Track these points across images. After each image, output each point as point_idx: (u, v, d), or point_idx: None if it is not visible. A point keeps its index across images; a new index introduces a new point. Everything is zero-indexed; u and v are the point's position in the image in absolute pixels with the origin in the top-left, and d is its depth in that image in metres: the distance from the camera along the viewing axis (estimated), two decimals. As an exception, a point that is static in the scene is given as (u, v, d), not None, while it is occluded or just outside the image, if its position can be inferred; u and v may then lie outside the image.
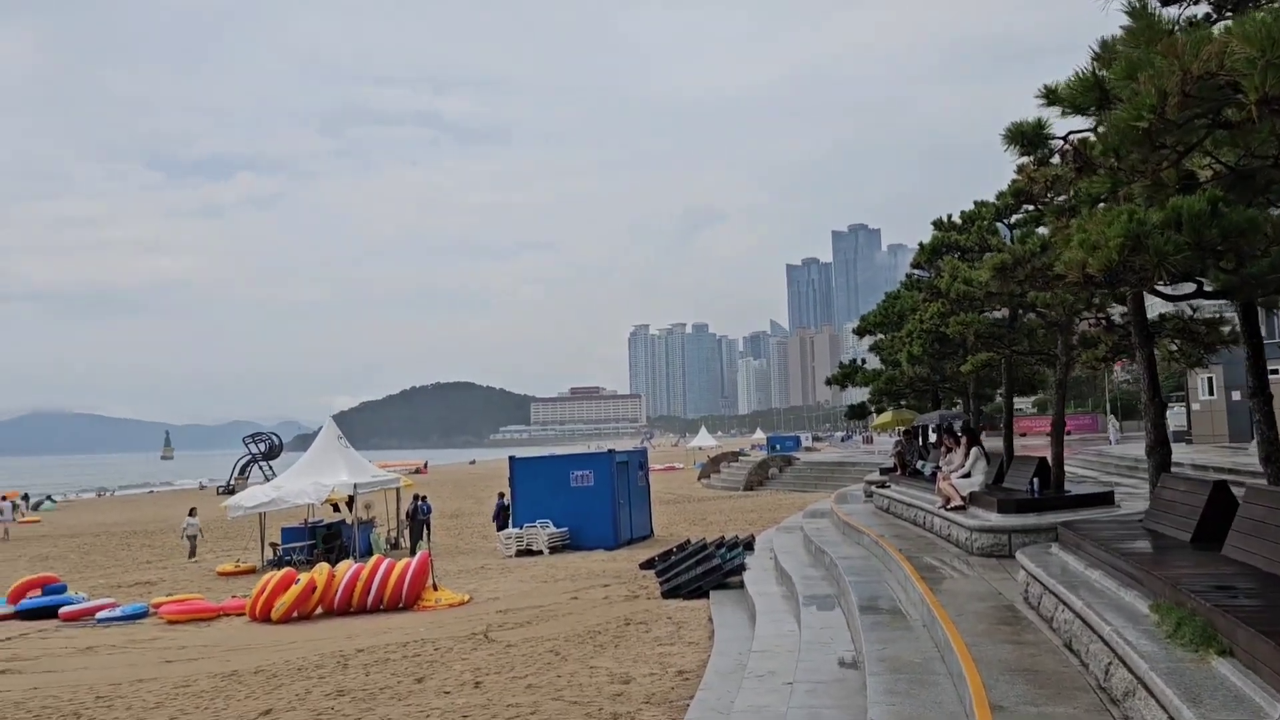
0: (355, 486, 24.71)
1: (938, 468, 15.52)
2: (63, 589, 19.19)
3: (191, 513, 25.73)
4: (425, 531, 26.09)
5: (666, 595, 15.68)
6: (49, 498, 66.51)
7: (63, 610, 17.85)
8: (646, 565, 18.85)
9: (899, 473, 19.97)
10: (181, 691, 11.52)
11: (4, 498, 57.63)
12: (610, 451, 28.12)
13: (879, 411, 29.69)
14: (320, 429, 27.34)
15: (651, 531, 27.14)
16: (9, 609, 18.25)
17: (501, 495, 28.29)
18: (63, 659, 14.20)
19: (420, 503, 26.50)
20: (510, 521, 25.29)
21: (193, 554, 25.14)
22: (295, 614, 16.42)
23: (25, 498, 61.58)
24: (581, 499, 24.75)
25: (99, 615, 17.52)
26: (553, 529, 23.99)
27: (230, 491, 58.89)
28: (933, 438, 20.53)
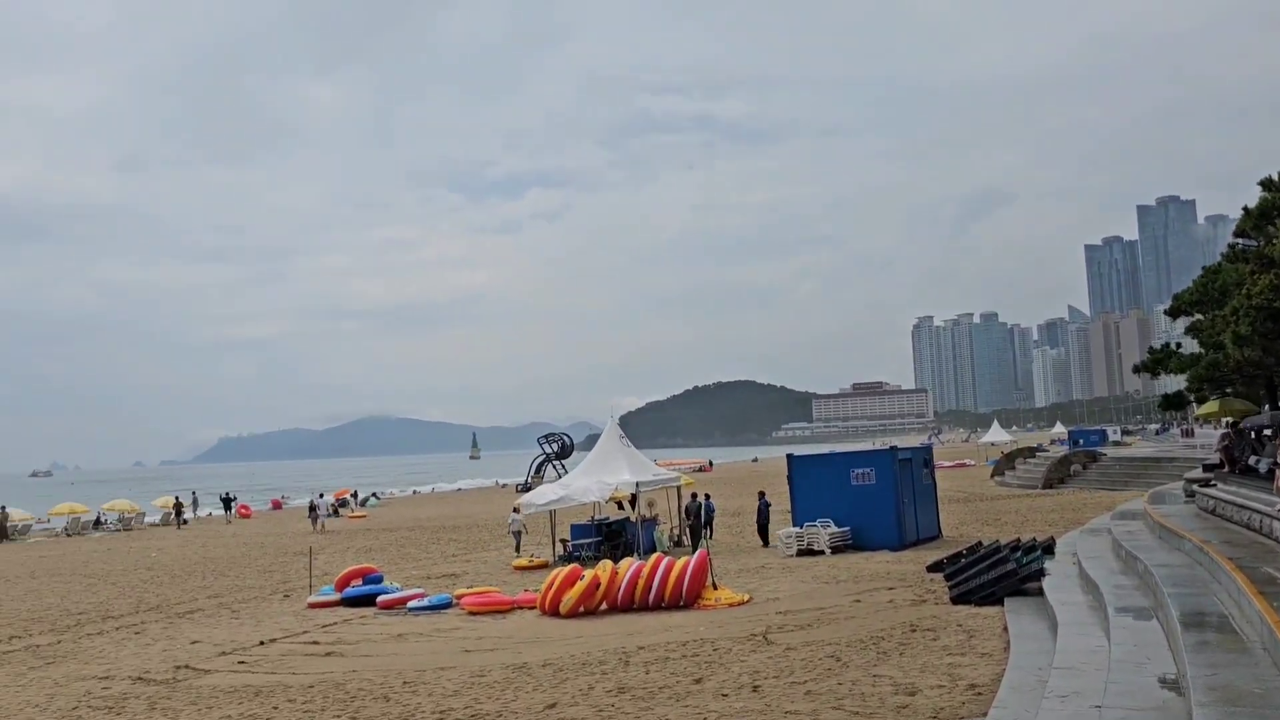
0: (637, 485, 25.28)
1: (1276, 464, 13.57)
2: (380, 579, 20.93)
3: (516, 510, 27.00)
4: (708, 530, 26.24)
5: (956, 601, 14.75)
6: (374, 495, 73.53)
7: (380, 599, 19.45)
8: (934, 568, 17.88)
9: (1227, 470, 17.72)
10: (477, 681, 12.12)
11: (335, 495, 64.55)
12: (892, 448, 27.06)
13: (1200, 401, 26.62)
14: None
15: (939, 532, 25.84)
16: (336, 596, 20.13)
17: (762, 494, 27.88)
18: (378, 644, 15.41)
19: (704, 500, 26.69)
20: (786, 521, 24.92)
21: (518, 549, 26.33)
22: (581, 609, 16.93)
23: (354, 495, 68.45)
24: (863, 497, 23.94)
25: (410, 605, 18.93)
26: (834, 528, 23.38)
27: (527, 489, 62.53)
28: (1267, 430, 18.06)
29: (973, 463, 73.12)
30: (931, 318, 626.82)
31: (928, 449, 30.62)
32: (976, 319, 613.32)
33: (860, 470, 24.40)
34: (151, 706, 11.92)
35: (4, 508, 50.58)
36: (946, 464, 65.67)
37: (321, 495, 54.94)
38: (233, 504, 60.30)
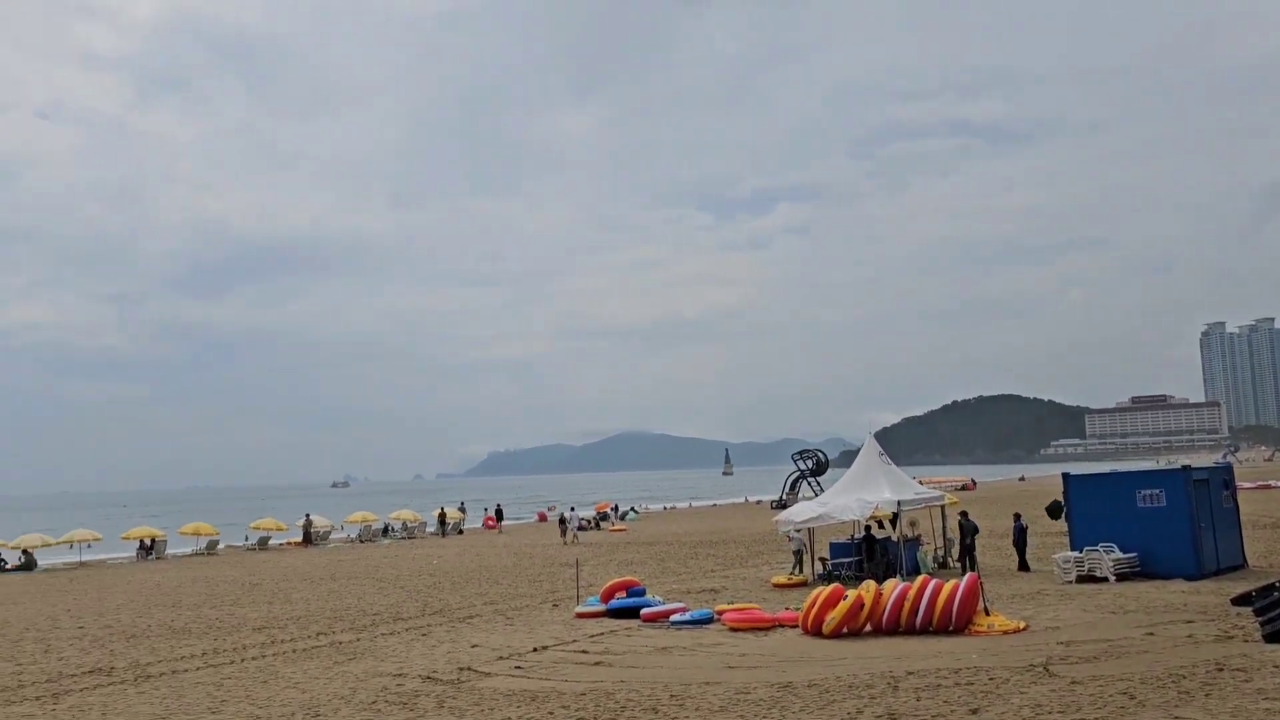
0: (898, 503, 24.51)
1: None
2: (643, 592, 21.44)
3: (797, 529, 26.59)
4: (971, 551, 25.00)
5: (1269, 639, 13.22)
6: (633, 509, 75.61)
7: (644, 611, 19.92)
8: (1240, 601, 16.06)
9: None
10: (741, 698, 12.12)
11: (596, 509, 66.94)
12: (1185, 467, 24.70)
13: None
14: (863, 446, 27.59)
15: (1244, 561, 23.31)
16: (601, 607, 20.81)
17: (1018, 516, 26.14)
18: (644, 656, 15.76)
19: (965, 520, 25.48)
20: (1052, 545, 23.27)
21: (798, 567, 25.96)
22: (844, 630, 16.57)
23: (614, 508, 70.72)
24: (1151, 521, 21.99)
25: (672, 618, 19.25)
26: (1118, 554, 21.62)
27: (782, 506, 62.16)
28: None
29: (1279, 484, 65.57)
30: (1223, 324, 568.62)
31: (1227, 468, 27.75)
32: (1279, 324, 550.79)
33: (1148, 491, 22.45)
34: (440, 704, 12.77)
35: (309, 515, 56.09)
36: (1248, 485, 59.18)
37: (572, 509, 57.30)
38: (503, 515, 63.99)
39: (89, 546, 48.56)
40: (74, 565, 45.35)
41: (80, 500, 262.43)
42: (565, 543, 44.99)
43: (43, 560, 45.47)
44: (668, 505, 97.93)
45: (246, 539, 55.86)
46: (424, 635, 19.03)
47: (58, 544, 46.78)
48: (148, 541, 48.13)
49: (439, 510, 61.81)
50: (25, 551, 44.25)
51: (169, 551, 48.94)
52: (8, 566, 43.44)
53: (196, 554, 49.28)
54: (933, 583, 16.92)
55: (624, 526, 59.85)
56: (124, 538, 50.79)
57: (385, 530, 57.20)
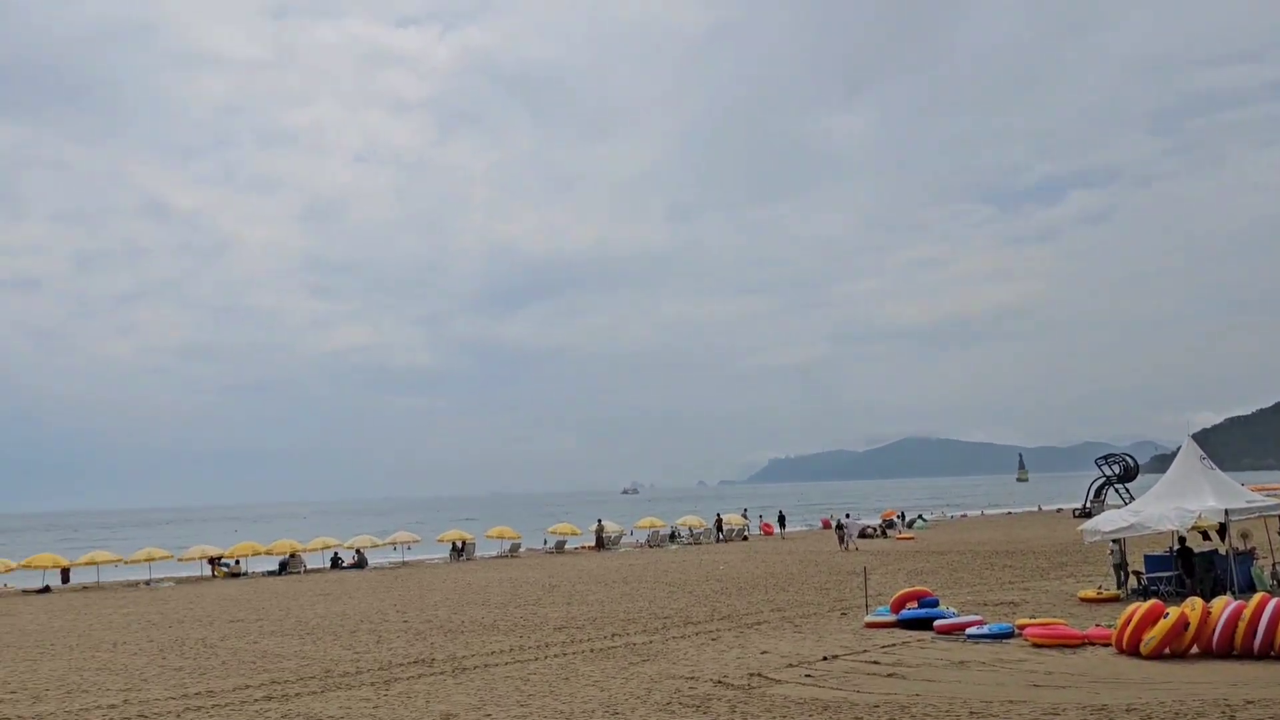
0: (1226, 513, 22.05)
1: None
2: (935, 603, 20.62)
3: (1116, 541, 24.50)
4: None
5: None
6: (921, 517, 73.04)
7: (937, 623, 19.15)
8: None
9: None
10: (1049, 719, 11.35)
11: (882, 516, 65.23)
12: None
13: None
14: (1179, 449, 25.06)
15: None
16: (892, 617, 20.22)
17: None
18: (939, 670, 15.14)
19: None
20: None
21: (1122, 581, 24.01)
22: (1165, 650, 15.12)
23: (901, 516, 68.65)
24: None
25: (969, 631, 18.36)
26: None
27: (1086, 515, 57.76)
28: None
29: None
30: None
31: None
32: None
33: None
34: (732, 709, 12.88)
35: (600, 521, 58.59)
36: None
37: (848, 515, 56.09)
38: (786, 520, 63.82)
39: (409, 548, 53.41)
40: (398, 564, 49.98)
41: (398, 505, 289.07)
42: (843, 550, 44.23)
43: (372, 559, 50.54)
44: (958, 513, 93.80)
45: (545, 542, 59.18)
46: (713, 640, 19.30)
47: (384, 545, 51.82)
48: (459, 544, 52.15)
49: (717, 517, 62.71)
50: (358, 551, 49.36)
51: (477, 553, 52.79)
52: (344, 564, 48.61)
53: (501, 556, 52.82)
54: (1273, 601, 15.08)
55: (912, 535, 57.92)
56: (439, 540, 55.38)
57: (672, 535, 58.64)
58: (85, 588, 42.79)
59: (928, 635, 18.64)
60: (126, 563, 45.92)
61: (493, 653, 18.74)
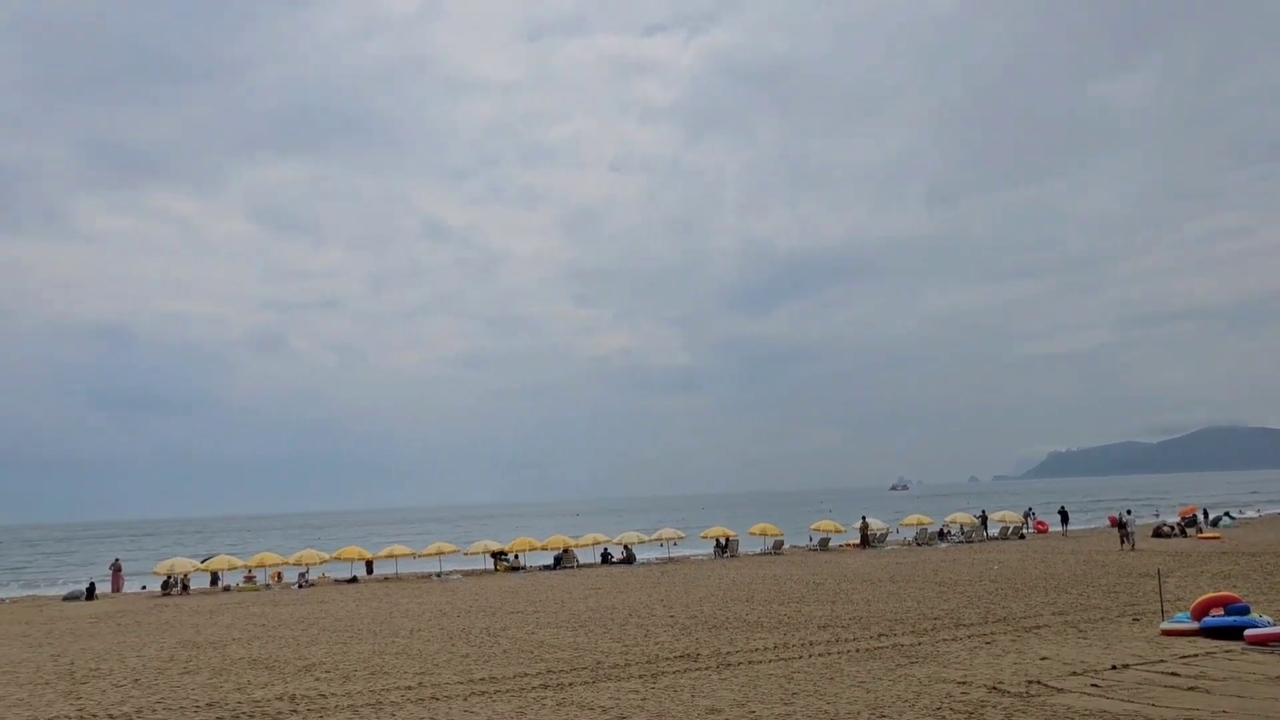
0: None
1: None
2: (1246, 610, 18.57)
3: None
4: None
5: None
6: (1227, 514, 66.22)
7: (1248, 633, 17.26)
8: None
9: None
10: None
11: (1180, 513, 59.64)
12: None
13: None
14: None
15: None
16: (1193, 625, 18.42)
17: None
18: (1251, 685, 13.62)
19: None
20: None
21: None
22: None
23: (1204, 513, 62.58)
24: None
25: (1288, 642, 16.43)
26: None
27: None
28: None
29: None
30: None
31: None
32: None
33: None
34: (1008, 718, 12.19)
35: (865, 518, 57.33)
36: None
37: (1129, 512, 51.54)
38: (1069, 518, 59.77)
39: (674, 545, 54.60)
40: (664, 560, 51.19)
41: (663, 502, 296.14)
42: (1124, 550, 40.88)
43: (639, 555, 52.06)
44: (1274, 510, 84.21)
45: (809, 540, 58.68)
46: (987, 643, 18.36)
47: (650, 541, 53.26)
48: (723, 541, 52.70)
49: (981, 513, 59.79)
50: (626, 547, 50.99)
51: (740, 550, 53.13)
52: (614, 560, 50.39)
53: (764, 553, 52.88)
54: None
55: (1217, 534, 52.54)
56: (703, 536, 56.24)
57: (941, 533, 56.44)
58: (386, 579, 46.84)
59: (1236, 646, 16.85)
60: (419, 556, 49.86)
61: (757, 649, 18.77)
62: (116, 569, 49.08)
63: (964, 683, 14.57)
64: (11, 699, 16.90)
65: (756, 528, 57.10)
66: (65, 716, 15.08)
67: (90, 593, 42.98)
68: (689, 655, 18.44)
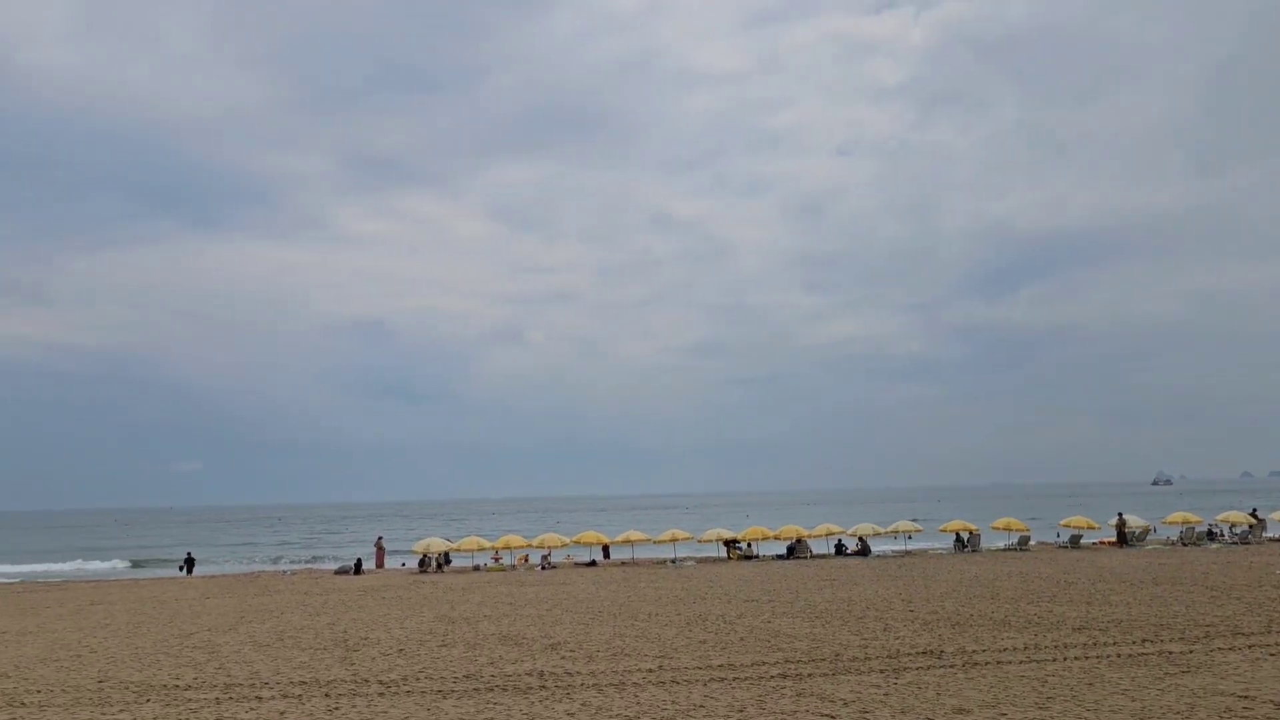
0: None
1: None
2: None
3: None
4: None
5: None
6: None
7: None
8: None
9: None
10: None
11: None
12: None
13: None
14: None
15: None
16: None
17: None
18: None
19: None
20: None
21: None
22: None
23: None
24: None
25: None
26: None
27: None
28: None
29: None
30: None
31: None
32: None
33: None
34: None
35: (1121, 515, 53.45)
36: None
37: None
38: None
39: (910, 538, 53.06)
40: (900, 554, 49.84)
41: (897, 494, 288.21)
42: None
43: (874, 548, 50.95)
44: None
45: (1058, 536, 55.44)
46: (1272, 654, 16.67)
47: (885, 533, 52.00)
48: (963, 535, 50.70)
49: (1252, 510, 54.20)
50: (861, 539, 50.03)
51: (983, 545, 50.90)
52: (848, 551, 49.56)
53: (1008, 549, 50.39)
54: None
55: None
56: (941, 530, 54.36)
57: (1210, 533, 51.79)
58: (623, 563, 48.23)
59: None
60: (654, 542, 50.98)
61: (1005, 649, 17.92)
62: (379, 547, 53.19)
63: (1246, 696, 13.29)
64: (296, 661, 18.68)
65: (1000, 522, 54.51)
66: (341, 680, 16.50)
67: (357, 568, 46.83)
68: (932, 652, 17.86)
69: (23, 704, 15.17)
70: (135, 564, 66.82)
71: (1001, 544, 52.52)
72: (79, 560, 69.99)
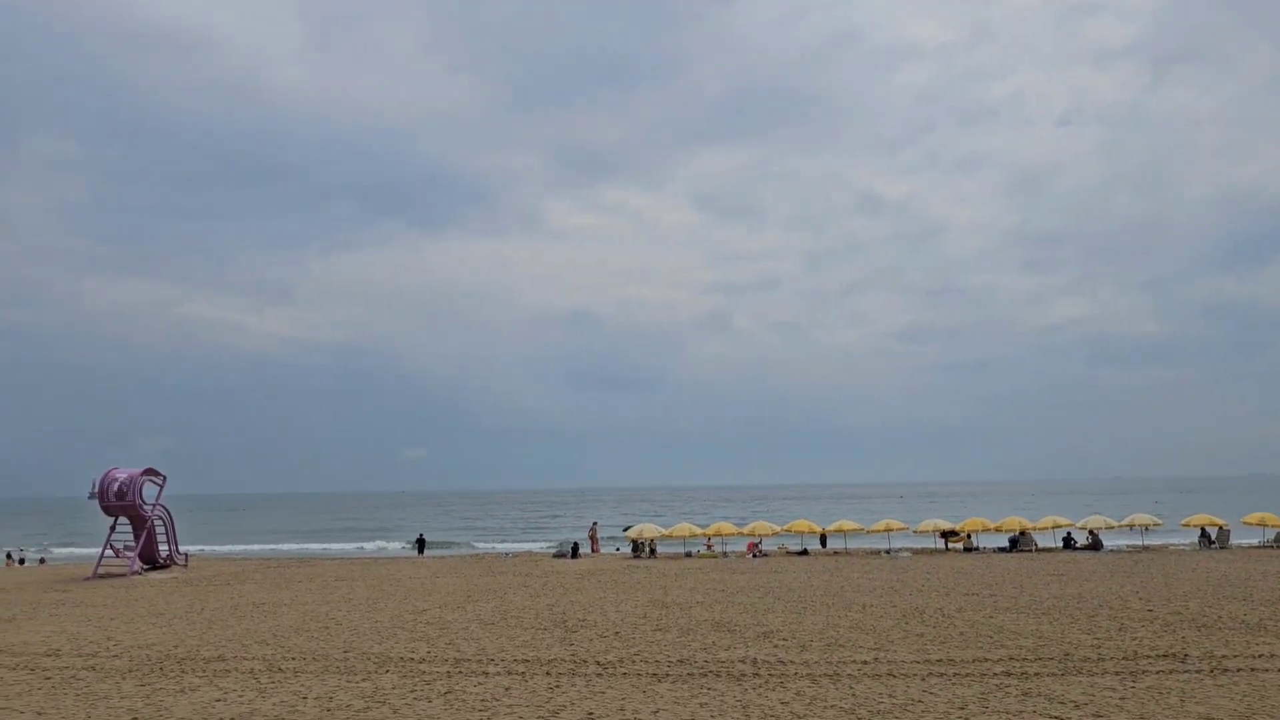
0: None
1: None
2: None
3: None
4: None
5: None
6: None
7: None
8: None
9: None
10: None
11: None
12: None
13: None
14: None
15: None
16: None
17: None
18: None
19: None
20: None
21: None
22: None
23: None
24: None
25: None
26: None
27: None
28: None
29: None
30: None
31: None
32: None
33: None
34: None
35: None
36: None
37: None
38: None
39: (1146, 531, 49.47)
40: (1136, 548, 46.60)
41: (1130, 485, 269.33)
42: None
43: (1107, 542, 47.86)
44: None
45: (1321, 533, 50.32)
46: None
47: (1119, 526, 48.72)
48: (1208, 530, 46.87)
49: None
50: (1092, 532, 47.13)
51: (1233, 541, 46.88)
52: (1076, 545, 46.81)
53: (1263, 546, 46.17)
54: None
55: None
56: (1183, 524, 50.43)
57: None
58: (835, 553, 47.54)
59: None
60: (868, 532, 49.97)
61: (1260, 656, 16.41)
62: (594, 534, 54.80)
63: None
64: (519, 640, 19.54)
65: (1253, 517, 49.90)
66: (561, 659, 17.12)
67: (574, 551, 48.43)
68: (1174, 655, 16.59)
69: (280, 670, 16.62)
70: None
71: (1255, 541, 48.15)
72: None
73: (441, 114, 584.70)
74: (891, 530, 48.72)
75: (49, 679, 16.05)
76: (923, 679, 14.79)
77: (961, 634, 19.39)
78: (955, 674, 15.15)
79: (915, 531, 50.06)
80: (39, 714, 13.40)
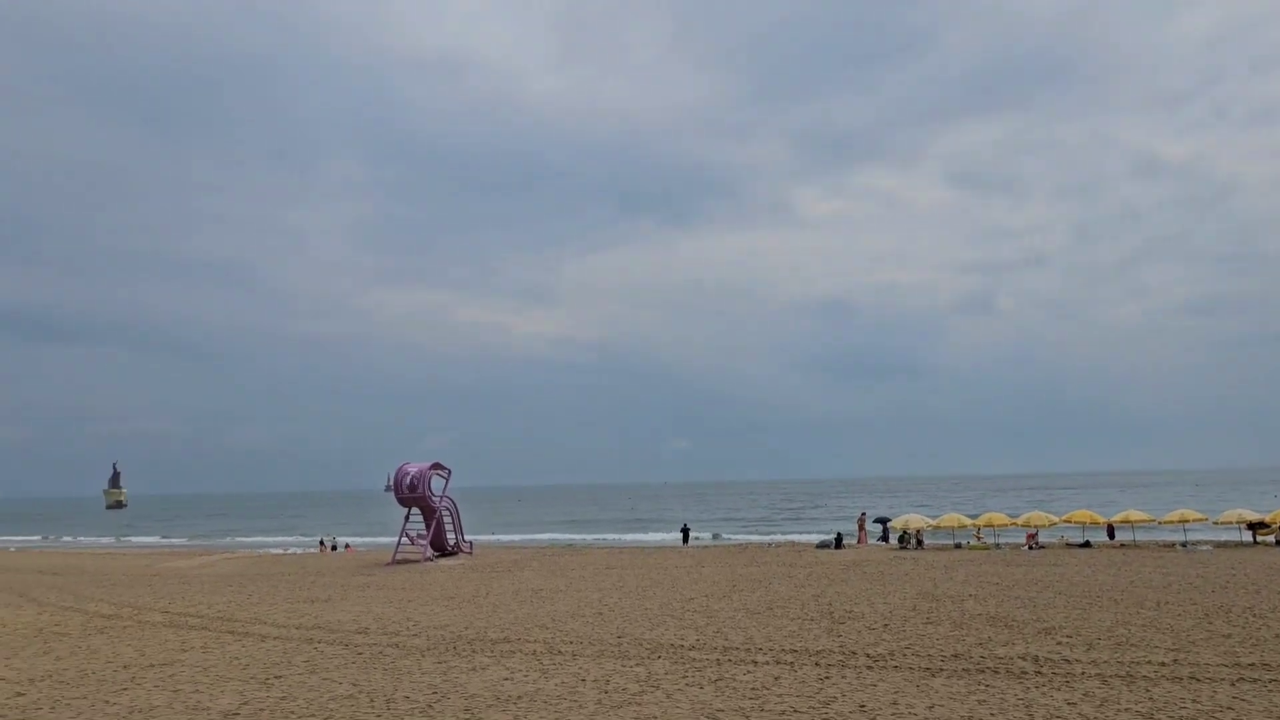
0: None
1: None
2: None
3: None
4: None
5: None
6: None
7: None
8: None
9: None
10: None
11: None
12: None
13: None
14: None
15: None
16: None
17: None
18: None
19: None
20: None
21: None
22: None
23: None
24: None
25: None
26: None
27: None
28: None
29: None
30: None
31: None
32: None
33: None
34: None
35: None
36: None
37: None
38: None
39: None
40: None
41: None
42: None
43: None
44: None
45: None
46: None
47: None
48: None
49: None
50: None
51: None
52: None
53: None
54: None
55: None
56: None
57: None
58: (1121, 545, 44.17)
59: None
60: (1159, 523, 46.09)
61: None
62: (862, 522, 53.90)
63: None
64: (785, 630, 19.55)
65: None
66: (830, 650, 16.98)
67: (838, 542, 47.81)
68: None
69: (559, 652, 17.53)
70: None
71: None
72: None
73: (687, 110, 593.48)
74: (1187, 521, 44.62)
75: (360, 654, 17.78)
76: (1232, 684, 13.48)
77: (1277, 636, 17.50)
78: (1272, 680, 13.70)
79: (1215, 523, 45.55)
80: (354, 684, 14.89)
